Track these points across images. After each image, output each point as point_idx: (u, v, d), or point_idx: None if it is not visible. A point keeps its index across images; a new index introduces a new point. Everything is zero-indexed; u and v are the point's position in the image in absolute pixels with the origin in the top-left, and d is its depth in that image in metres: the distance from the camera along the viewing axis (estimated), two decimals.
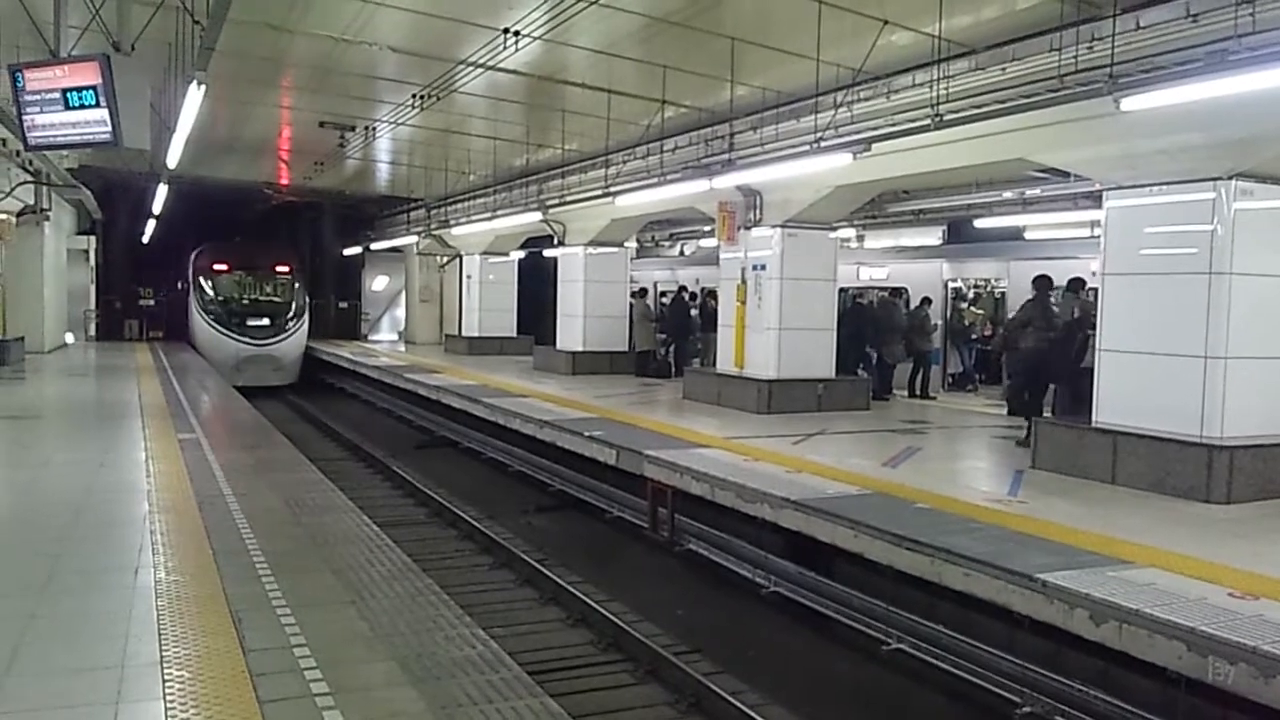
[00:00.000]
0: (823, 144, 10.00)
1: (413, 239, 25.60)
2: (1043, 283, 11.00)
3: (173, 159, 12.70)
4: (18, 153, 15.35)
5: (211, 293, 24.83)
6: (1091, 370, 8.85)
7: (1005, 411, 12.39)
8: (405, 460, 14.76)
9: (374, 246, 28.79)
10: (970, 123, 8.50)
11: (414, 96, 13.43)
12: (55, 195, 19.81)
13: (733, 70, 10.86)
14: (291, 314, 25.10)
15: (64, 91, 7.33)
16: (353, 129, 16.48)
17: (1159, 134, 7.89)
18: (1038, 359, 10.65)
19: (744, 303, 13.30)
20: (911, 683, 6.48)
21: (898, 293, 16.35)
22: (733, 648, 7.17)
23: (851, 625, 7.12)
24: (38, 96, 7.44)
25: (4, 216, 17.60)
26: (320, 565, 5.59)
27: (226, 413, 13.19)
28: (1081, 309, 10.44)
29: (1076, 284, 11.08)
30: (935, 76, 9.02)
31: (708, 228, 19.99)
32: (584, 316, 18.54)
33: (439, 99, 13.25)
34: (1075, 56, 7.91)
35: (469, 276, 24.36)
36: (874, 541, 6.60)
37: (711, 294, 17.36)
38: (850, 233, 19.52)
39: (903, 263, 17.96)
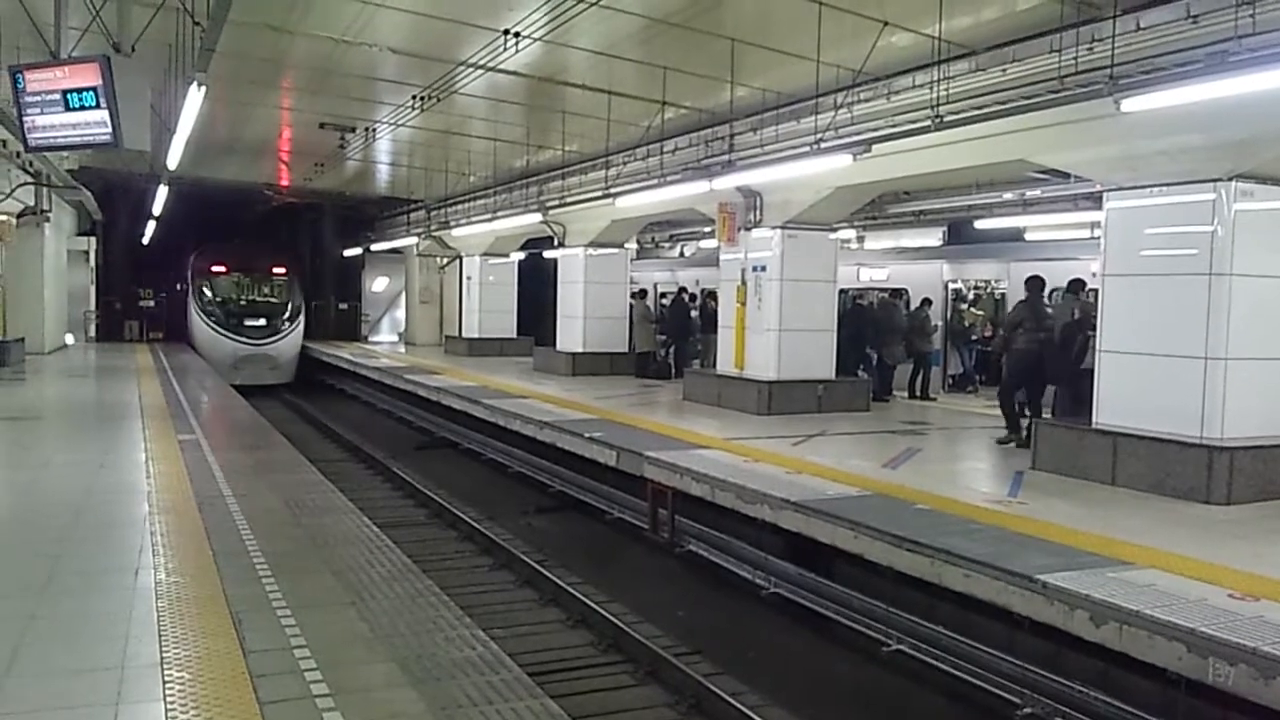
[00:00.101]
0: (823, 145, 10.00)
1: (413, 240, 25.60)
2: (1034, 284, 11.01)
3: (173, 160, 12.70)
4: (18, 154, 15.36)
5: (210, 293, 25.38)
6: (1091, 371, 8.85)
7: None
8: (405, 461, 14.77)
9: (374, 248, 28.80)
10: (971, 124, 8.50)
11: (414, 98, 13.43)
12: (55, 196, 19.82)
13: (733, 71, 10.86)
14: (288, 314, 25.62)
15: (64, 93, 7.33)
16: (353, 130, 16.48)
17: (1159, 135, 7.89)
18: (1029, 360, 10.67)
19: (744, 304, 13.30)
20: (912, 684, 6.48)
21: (898, 294, 16.35)
22: (733, 649, 7.17)
23: (852, 626, 7.12)
24: (38, 98, 7.44)
25: (4, 218, 17.61)
26: (320, 566, 5.59)
27: (226, 414, 13.19)
28: (1081, 310, 10.44)
29: (1076, 285, 11.08)
30: (935, 78, 9.02)
31: (708, 229, 19.99)
32: (584, 318, 18.53)
33: (439, 100, 13.25)
34: (1075, 57, 7.90)
35: (469, 278, 24.37)
36: (874, 543, 6.60)
37: (711, 295, 17.36)
38: (850, 234, 19.52)
39: (903, 264, 17.97)
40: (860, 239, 20.32)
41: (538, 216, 17.71)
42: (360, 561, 5.72)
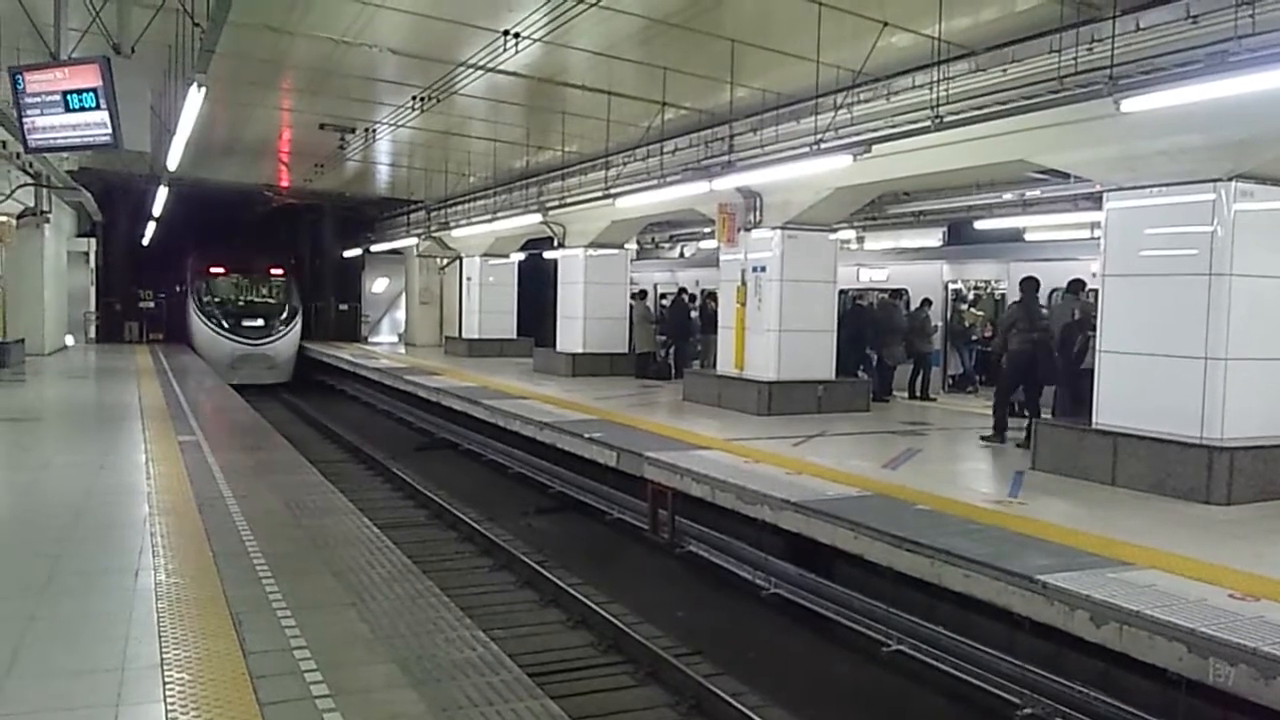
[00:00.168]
0: (823, 146, 10.00)
1: (413, 241, 25.62)
2: (1028, 285, 11.03)
3: (173, 161, 12.71)
4: (18, 155, 15.37)
5: (208, 294, 25.79)
6: (1091, 371, 8.85)
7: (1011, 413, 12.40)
8: (405, 462, 14.77)
9: (374, 249, 28.81)
10: (970, 124, 8.50)
11: (414, 98, 13.43)
12: (55, 197, 19.83)
13: (733, 72, 10.86)
14: (285, 315, 25.98)
15: (64, 94, 7.33)
16: (353, 131, 16.48)
17: (1159, 135, 7.89)
18: (1022, 361, 10.69)
19: (744, 304, 13.30)
20: (912, 684, 6.48)
21: (898, 294, 16.34)
22: (733, 649, 7.17)
23: (852, 627, 7.12)
24: (38, 99, 7.44)
25: (4, 219, 17.61)
26: (320, 567, 5.59)
27: (226, 415, 13.19)
28: (1081, 310, 10.44)
29: (1076, 285, 11.08)
30: (935, 78, 9.02)
31: (708, 229, 19.99)
32: (584, 318, 18.53)
33: (439, 101, 13.25)
34: (1075, 58, 7.91)
35: (469, 278, 24.37)
36: (874, 543, 6.59)
37: (711, 296, 17.36)
38: (850, 234, 19.53)
39: (903, 264, 17.96)
40: (860, 239, 20.32)
41: (538, 217, 17.71)
42: (360, 562, 5.72)
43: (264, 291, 26.75)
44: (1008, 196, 15.22)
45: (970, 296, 18.01)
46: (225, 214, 27.46)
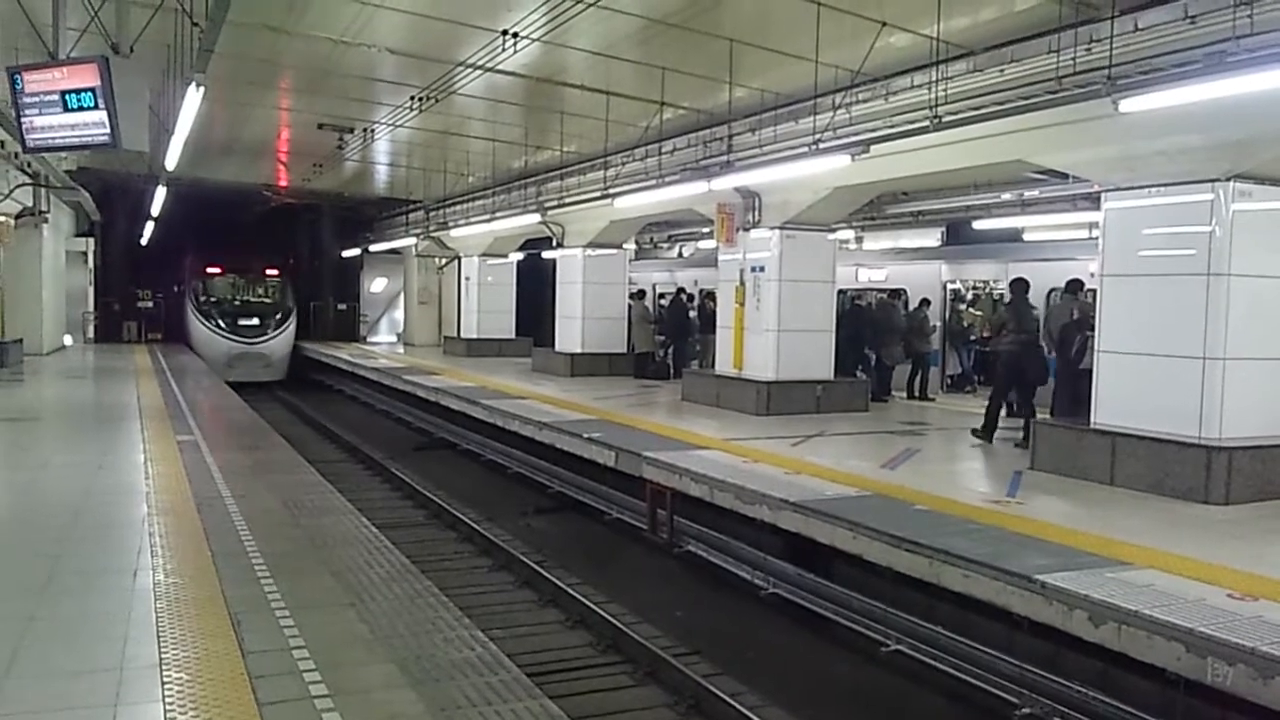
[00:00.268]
0: (821, 146, 10.00)
1: (411, 241, 25.62)
2: (1019, 286, 11.07)
3: (171, 161, 12.70)
4: (16, 155, 15.37)
5: (205, 294, 26.33)
6: (1090, 371, 8.86)
7: (1004, 413, 12.42)
8: (404, 462, 14.76)
9: (372, 248, 28.82)
10: (969, 124, 8.50)
11: (412, 98, 13.43)
12: (54, 197, 19.82)
13: (731, 72, 10.86)
14: (280, 314, 26.43)
15: (63, 93, 7.33)
16: (351, 131, 16.47)
17: (1157, 135, 7.90)
18: (1011, 361, 10.70)
19: (743, 304, 13.30)
20: (910, 684, 6.49)
21: (896, 294, 16.35)
22: (732, 649, 7.16)
23: (850, 627, 7.12)
24: (36, 98, 7.44)
25: (2, 219, 17.61)
26: (319, 567, 5.59)
27: (225, 414, 13.19)
28: (1080, 310, 10.45)
29: (1075, 285, 11.10)
30: (934, 78, 9.03)
31: (706, 229, 19.98)
32: (583, 318, 18.53)
33: (437, 101, 13.25)
34: (1074, 58, 7.91)
35: (467, 278, 24.37)
36: (873, 543, 6.60)
37: (710, 295, 17.37)
38: (849, 234, 19.55)
39: (901, 264, 17.97)
40: (859, 239, 20.34)
41: (536, 217, 17.71)
42: (359, 562, 5.72)
43: (259, 291, 27.28)
44: (1006, 196, 15.23)
45: (969, 296, 18.02)
46: (224, 214, 27.60)
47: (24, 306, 20.48)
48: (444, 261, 27.30)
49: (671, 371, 18.24)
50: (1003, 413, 11.21)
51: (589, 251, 18.38)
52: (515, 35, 10.03)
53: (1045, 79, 8.25)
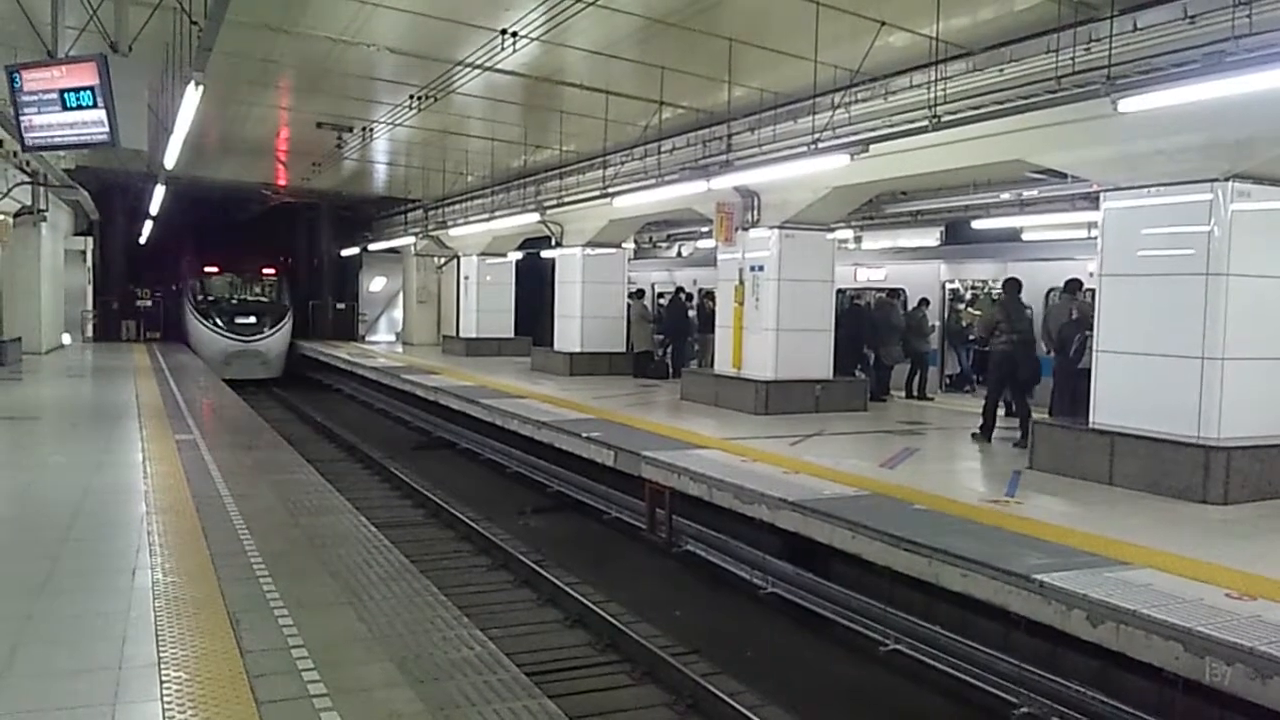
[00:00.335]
0: (820, 145, 10.01)
1: (410, 240, 25.61)
2: (1011, 285, 11.09)
3: (170, 160, 12.69)
4: (15, 153, 15.35)
5: (203, 293, 26.79)
6: (1089, 371, 8.86)
7: (1003, 413, 12.44)
8: (403, 461, 14.75)
9: (371, 247, 28.81)
10: (968, 124, 8.51)
11: (411, 97, 13.43)
12: (52, 196, 19.80)
13: (730, 71, 10.87)
14: (277, 313, 26.82)
15: (61, 92, 7.31)
16: (350, 130, 16.48)
17: (1156, 135, 7.90)
18: (1004, 360, 10.73)
19: (741, 304, 13.30)
20: (909, 683, 6.49)
21: (895, 294, 16.36)
22: (730, 649, 7.17)
23: (849, 626, 7.13)
24: (35, 97, 7.42)
25: (1, 217, 17.58)
26: (318, 566, 5.59)
27: (224, 414, 13.18)
28: (1079, 310, 10.46)
29: (1073, 285, 11.12)
30: (933, 78, 9.03)
31: (705, 229, 19.98)
32: (581, 317, 18.53)
33: (437, 100, 13.25)
34: (1073, 58, 7.92)
35: (466, 277, 24.37)
36: (871, 542, 6.60)
37: (709, 295, 17.37)
38: (848, 234, 19.55)
39: (900, 264, 17.97)
40: (858, 239, 20.35)
41: (535, 216, 17.71)
42: (358, 561, 5.72)
43: (256, 290, 27.77)
44: (1005, 196, 15.23)
45: (967, 296, 18.03)
46: (223, 213, 28.02)
47: (22, 305, 20.46)
48: (443, 261, 27.32)
49: (670, 371, 18.24)
50: (1001, 412, 11.23)
51: (588, 251, 18.37)
52: (514, 34, 10.04)
53: (1044, 79, 8.26)
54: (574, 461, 11.34)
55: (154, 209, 21.17)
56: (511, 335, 24.01)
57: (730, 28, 9.91)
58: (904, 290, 16.66)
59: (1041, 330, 12.29)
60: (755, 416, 12.58)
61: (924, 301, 16.09)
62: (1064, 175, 12.26)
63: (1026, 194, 14.89)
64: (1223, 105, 6.85)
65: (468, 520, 10.73)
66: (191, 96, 8.70)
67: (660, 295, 22.49)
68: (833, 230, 13.69)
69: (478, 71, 11.58)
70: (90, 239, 26.86)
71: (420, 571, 5.68)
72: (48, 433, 11.03)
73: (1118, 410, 8.32)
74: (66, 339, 24.85)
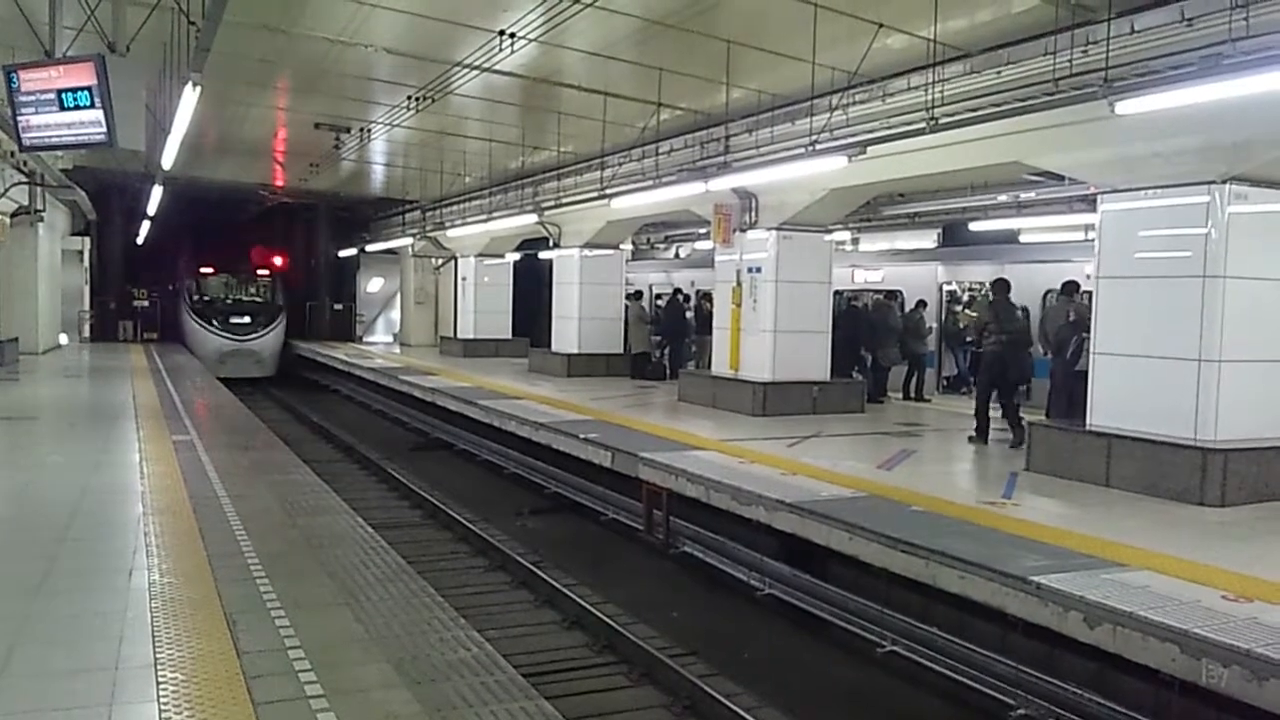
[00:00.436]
0: (818, 147, 10.02)
1: (408, 241, 25.61)
2: (1000, 286, 11.12)
3: (168, 160, 12.67)
4: (12, 154, 15.32)
5: (198, 293, 27.32)
6: (1086, 373, 8.87)
7: (1000, 414, 12.46)
8: (400, 462, 14.75)
9: (369, 248, 28.82)
10: (965, 126, 8.51)
11: (409, 98, 13.43)
12: (49, 196, 19.77)
13: (728, 73, 10.87)
14: (270, 313, 27.28)
15: (59, 92, 7.30)
16: (348, 131, 16.46)
17: (1154, 138, 7.91)
18: (993, 361, 10.74)
19: (739, 305, 13.31)
20: (906, 685, 6.49)
21: (893, 295, 16.37)
22: (728, 650, 7.17)
23: (846, 628, 7.12)
24: (32, 97, 7.41)
25: None
26: (315, 567, 5.59)
27: (221, 414, 13.17)
28: (1076, 312, 10.47)
29: (1070, 287, 11.13)
30: (930, 80, 9.04)
31: (703, 230, 20.00)
32: (579, 319, 18.52)
33: (434, 101, 13.24)
34: (1070, 60, 7.93)
35: (464, 278, 24.36)
36: (869, 544, 6.60)
37: (706, 296, 17.38)
38: (845, 235, 19.56)
39: (898, 265, 17.99)
40: (855, 241, 20.36)
41: (533, 217, 17.71)
42: (355, 562, 5.71)
43: (251, 291, 28.24)
44: (1002, 198, 15.25)
45: (965, 298, 18.05)
46: (220, 213, 28.16)
47: (20, 305, 20.43)
48: (440, 262, 27.32)
49: (668, 372, 18.25)
50: (996, 413, 11.23)
51: (586, 252, 18.37)
52: (512, 35, 10.03)
53: (1042, 81, 8.27)
54: (571, 463, 11.33)
55: (151, 209, 21.15)
56: (509, 336, 24.02)
57: (728, 29, 9.91)
58: (901, 292, 16.66)
59: (1039, 332, 12.31)
60: (753, 418, 12.58)
61: (921, 303, 16.11)
62: (1061, 177, 12.30)
63: (1024, 196, 14.92)
64: (1220, 108, 6.87)
65: (465, 521, 10.73)
66: (189, 97, 8.69)
67: (658, 297, 22.49)
68: (830, 232, 13.70)
69: (476, 72, 11.58)
70: (87, 239, 26.86)
71: (417, 572, 5.68)
72: (45, 433, 11.02)
73: (1115, 412, 8.33)
74: (64, 339, 24.82)
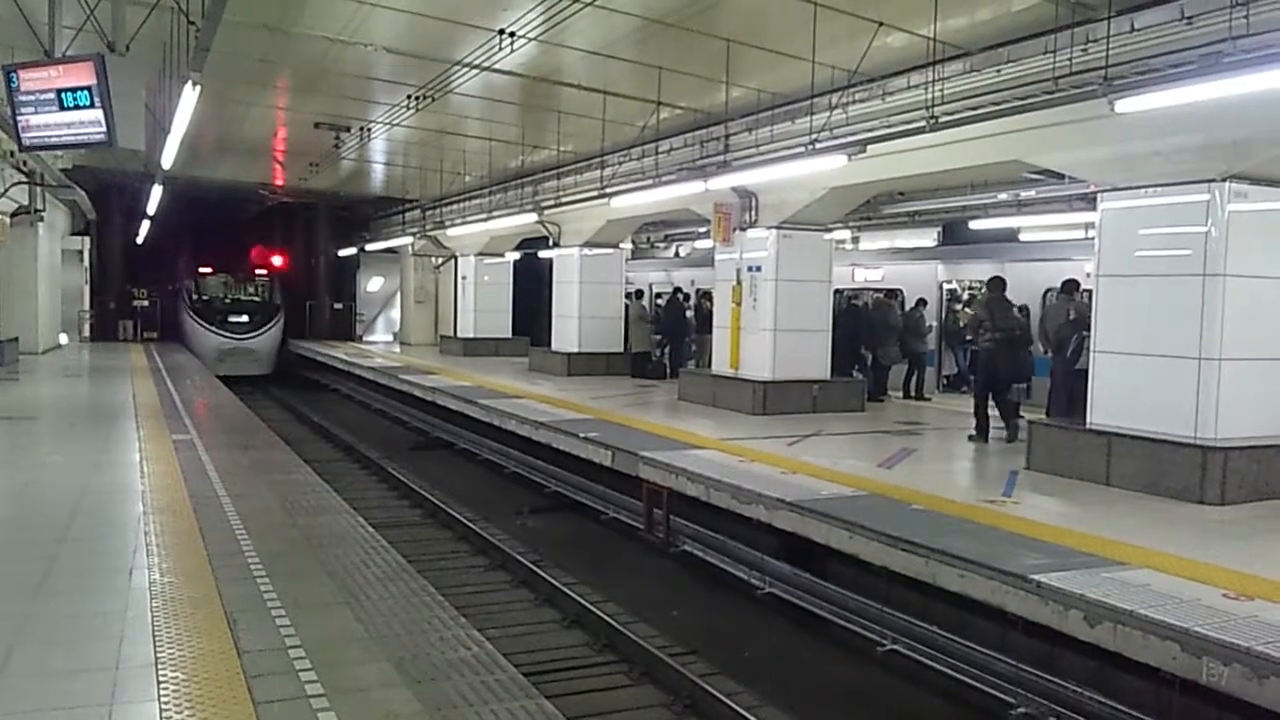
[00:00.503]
0: (818, 146, 10.01)
1: (408, 240, 25.60)
2: (995, 284, 11.12)
3: (167, 160, 12.67)
4: (12, 153, 15.31)
5: (197, 293, 27.75)
6: (1086, 372, 8.87)
7: (998, 413, 12.46)
8: (400, 461, 14.75)
9: (369, 247, 28.84)
10: (965, 124, 8.51)
11: (409, 98, 13.42)
12: (49, 196, 19.77)
13: (728, 72, 10.86)
14: (268, 312, 27.71)
15: (58, 92, 7.30)
16: (348, 130, 16.46)
17: (1154, 136, 7.91)
18: (988, 359, 10.75)
19: (739, 304, 13.31)
20: (906, 684, 6.49)
21: (893, 294, 16.37)
22: (728, 649, 7.17)
23: (847, 626, 7.12)
24: (32, 97, 7.41)
25: None
26: (315, 566, 5.59)
27: (221, 414, 13.17)
28: (1076, 311, 10.47)
29: (1070, 286, 11.12)
30: (930, 78, 9.04)
31: (703, 229, 20.00)
32: (579, 318, 18.52)
33: (434, 100, 13.24)
34: (1070, 58, 7.93)
35: (464, 277, 24.35)
36: (869, 543, 6.60)
37: (706, 295, 17.38)
38: (845, 234, 19.56)
39: (898, 264, 17.99)
40: (855, 239, 20.36)
41: (533, 216, 17.71)
42: (355, 562, 5.71)
43: (249, 290, 28.70)
44: (1002, 197, 15.24)
45: (965, 296, 18.04)
46: (220, 213, 28.32)
47: (20, 305, 20.44)
48: (440, 261, 27.33)
49: (668, 371, 18.24)
50: (994, 412, 11.23)
51: (585, 251, 18.37)
52: (512, 35, 10.03)
53: (1042, 79, 8.27)
54: (571, 462, 11.33)
55: (151, 209, 21.15)
56: (509, 335, 24.02)
57: (728, 28, 9.91)
58: (901, 290, 16.66)
59: (1039, 331, 12.31)
60: (753, 417, 12.58)
61: (921, 302, 16.10)
62: (1061, 176, 12.29)
63: (1024, 194, 14.91)
64: (1220, 106, 6.86)
65: (465, 520, 10.73)
66: (189, 96, 8.69)
67: (658, 296, 22.49)
68: (830, 230, 13.70)
69: (475, 71, 11.57)
70: (87, 239, 26.87)
71: (418, 571, 5.68)
72: (45, 432, 11.02)
73: (1115, 411, 8.33)
74: (64, 339, 24.83)
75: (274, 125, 17.15)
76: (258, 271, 29.48)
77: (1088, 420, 8.59)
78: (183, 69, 8.82)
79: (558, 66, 11.79)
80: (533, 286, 25.29)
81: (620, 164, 15.18)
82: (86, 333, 27.21)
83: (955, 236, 18.41)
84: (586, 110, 13.42)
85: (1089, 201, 11.95)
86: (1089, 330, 8.95)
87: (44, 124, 7.50)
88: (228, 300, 27.91)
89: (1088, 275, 10.25)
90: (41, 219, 19.60)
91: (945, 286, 17.25)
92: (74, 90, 7.26)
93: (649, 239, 26.69)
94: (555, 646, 7.24)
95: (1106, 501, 7.77)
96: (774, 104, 12.04)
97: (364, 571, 5.50)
